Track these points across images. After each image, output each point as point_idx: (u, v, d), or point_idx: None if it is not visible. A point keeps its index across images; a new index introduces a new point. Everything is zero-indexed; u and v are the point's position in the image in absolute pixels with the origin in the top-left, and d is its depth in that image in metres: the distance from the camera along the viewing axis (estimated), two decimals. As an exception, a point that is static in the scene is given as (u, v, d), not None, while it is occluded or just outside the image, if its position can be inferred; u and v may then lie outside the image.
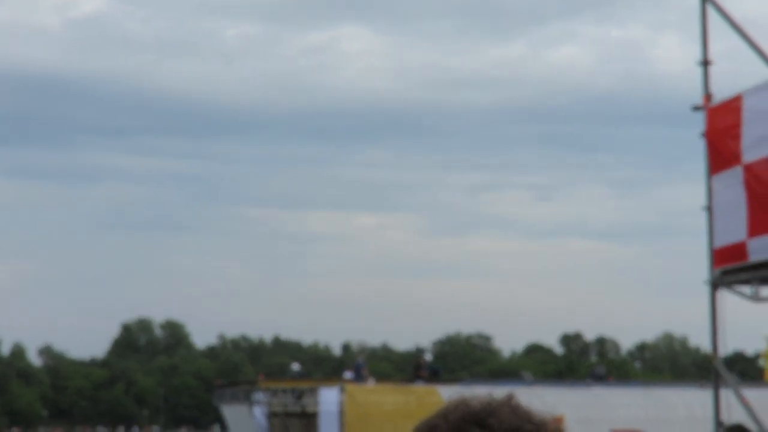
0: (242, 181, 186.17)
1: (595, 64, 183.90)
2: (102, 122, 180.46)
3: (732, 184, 11.83)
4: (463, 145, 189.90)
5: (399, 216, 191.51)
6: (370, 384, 33.01)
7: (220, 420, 45.87)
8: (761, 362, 39.31)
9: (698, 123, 12.43)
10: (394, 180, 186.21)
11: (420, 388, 27.46)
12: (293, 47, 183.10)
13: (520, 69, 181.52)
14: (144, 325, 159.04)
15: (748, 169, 11.61)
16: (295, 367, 47.99)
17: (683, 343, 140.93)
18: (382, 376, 63.32)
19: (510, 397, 2.50)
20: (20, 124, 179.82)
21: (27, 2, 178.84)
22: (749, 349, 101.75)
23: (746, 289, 12.11)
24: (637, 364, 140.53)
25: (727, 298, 12.32)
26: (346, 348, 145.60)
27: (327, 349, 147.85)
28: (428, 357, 42.38)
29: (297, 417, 30.25)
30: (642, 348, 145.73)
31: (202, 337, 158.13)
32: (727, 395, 12.42)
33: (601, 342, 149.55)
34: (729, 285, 12.17)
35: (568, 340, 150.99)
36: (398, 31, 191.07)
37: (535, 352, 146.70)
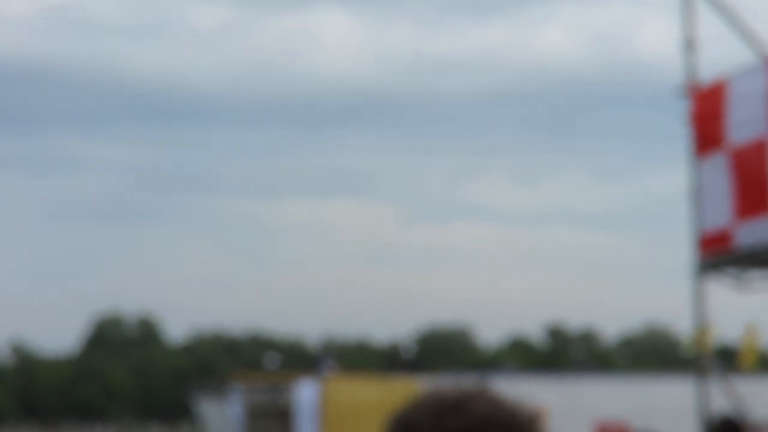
0: (216, 168, 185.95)
1: (579, 46, 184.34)
2: (71, 109, 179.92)
3: (717, 169, 11.84)
4: (443, 130, 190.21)
5: (377, 203, 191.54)
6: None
7: (193, 416, 45.82)
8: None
9: (682, 107, 12.44)
10: (372, 166, 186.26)
11: (398, 380, 27.49)
12: (267, 32, 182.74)
13: (501, 52, 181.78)
14: (115, 320, 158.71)
15: (734, 152, 11.62)
16: (272, 361, 48.03)
17: (667, 332, 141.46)
18: (359, 370, 63.42)
19: (484, 386, 2.49)
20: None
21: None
22: (735, 340, 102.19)
23: (732, 277, 12.14)
24: (622, 355, 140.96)
25: (713, 288, 12.35)
26: (323, 342, 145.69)
27: (304, 342, 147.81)
28: (407, 350, 42.48)
29: (273, 412, 30.24)
30: (628, 340, 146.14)
31: (176, 331, 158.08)
32: (713, 386, 12.44)
33: (585, 333, 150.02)
34: (715, 272, 12.19)
35: (551, 331, 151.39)
36: (375, 14, 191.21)
37: (517, 343, 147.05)
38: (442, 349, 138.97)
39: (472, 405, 2.45)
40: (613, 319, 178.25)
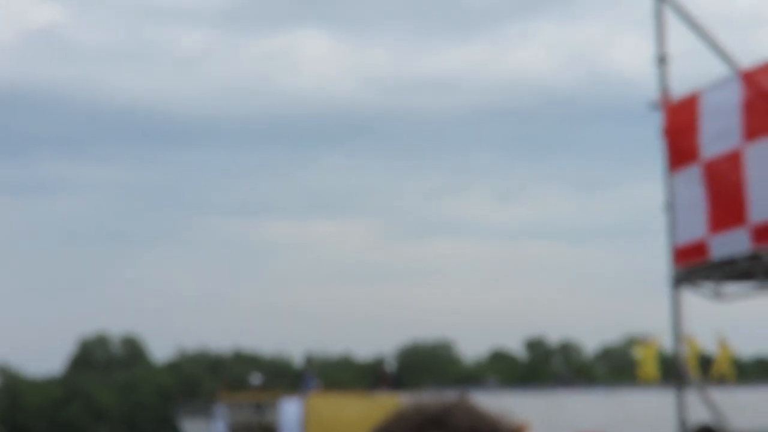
0: (199, 189, 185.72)
1: (555, 64, 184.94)
2: (55, 132, 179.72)
3: (690, 182, 11.87)
4: (422, 149, 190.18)
5: (359, 222, 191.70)
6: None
7: (179, 434, 45.66)
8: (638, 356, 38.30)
9: (656, 121, 12.48)
10: (354, 185, 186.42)
11: (382, 396, 27.44)
12: (249, 53, 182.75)
13: (479, 71, 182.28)
14: (101, 340, 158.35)
15: (707, 166, 11.66)
16: (256, 379, 47.85)
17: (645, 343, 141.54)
18: (342, 386, 63.27)
19: (465, 399, 2.48)
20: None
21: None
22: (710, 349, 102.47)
23: (707, 288, 12.16)
24: (601, 368, 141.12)
25: (689, 299, 12.37)
26: (307, 359, 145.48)
27: (287, 360, 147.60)
28: (390, 365, 42.34)
29: (258, 429, 30.19)
30: (607, 352, 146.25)
31: (161, 351, 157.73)
32: (690, 396, 12.45)
33: (565, 346, 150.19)
34: (690, 283, 12.22)
35: (531, 344, 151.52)
36: (355, 35, 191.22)
37: (498, 357, 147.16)
38: (425, 364, 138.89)
39: (454, 418, 2.44)
40: (593, 331, 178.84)
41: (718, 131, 11.43)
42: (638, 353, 38.08)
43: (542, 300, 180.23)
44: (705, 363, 36.73)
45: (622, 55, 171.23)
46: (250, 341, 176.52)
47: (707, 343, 36.04)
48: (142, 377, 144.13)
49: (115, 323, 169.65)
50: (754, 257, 11.08)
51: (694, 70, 12.75)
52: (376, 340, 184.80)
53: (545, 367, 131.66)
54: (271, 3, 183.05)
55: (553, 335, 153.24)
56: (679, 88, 12.36)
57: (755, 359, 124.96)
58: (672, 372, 34.22)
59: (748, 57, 11.46)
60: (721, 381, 33.59)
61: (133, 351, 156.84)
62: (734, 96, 11.22)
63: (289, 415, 27.15)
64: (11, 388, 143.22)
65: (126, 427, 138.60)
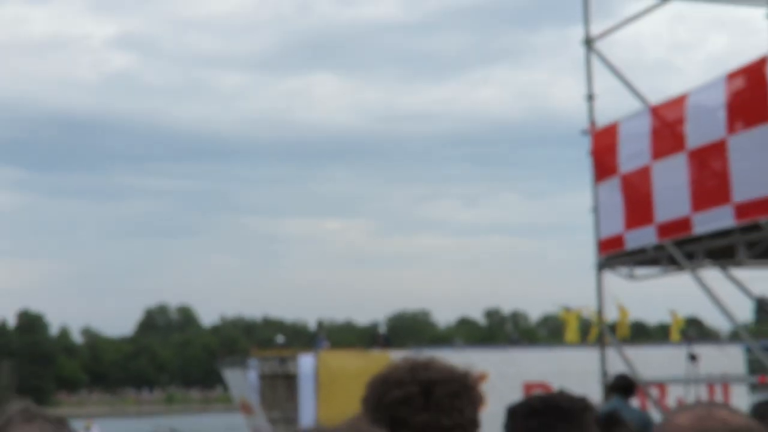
0: (236, 195, 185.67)
1: (509, 100, 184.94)
2: (127, 152, 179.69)
3: (611, 190, 11.87)
4: (407, 165, 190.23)
5: (358, 221, 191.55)
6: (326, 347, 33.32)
7: (222, 382, 45.54)
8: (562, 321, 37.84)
9: (585, 145, 12.47)
10: (354, 193, 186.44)
11: (376, 353, 27.36)
12: (276, 91, 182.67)
13: (451, 105, 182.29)
14: (162, 309, 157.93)
15: (624, 178, 11.65)
16: (280, 339, 47.71)
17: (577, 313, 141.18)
18: (346, 345, 63.05)
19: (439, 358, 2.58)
20: (64, 154, 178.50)
21: (70, 60, 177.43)
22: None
23: (624, 271, 12.16)
24: (543, 331, 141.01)
25: (609, 278, 12.37)
26: (319, 324, 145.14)
27: (304, 325, 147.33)
28: (382, 329, 42.25)
29: (282, 378, 30.08)
30: (547, 320, 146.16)
31: (207, 318, 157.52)
32: (611, 353, 12.45)
33: (515, 315, 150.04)
34: (611, 267, 12.21)
35: (490, 313, 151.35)
36: (358, 77, 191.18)
37: (464, 323, 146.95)
38: (408, 328, 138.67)
39: (436, 364, 2.51)
40: (536, 304, 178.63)
41: (632, 152, 11.43)
42: (563, 319, 38.01)
43: (498, 280, 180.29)
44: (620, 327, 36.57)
45: (560, 93, 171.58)
46: (275, 311, 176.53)
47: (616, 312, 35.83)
48: (193, 338, 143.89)
49: (172, 296, 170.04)
50: (659, 248, 11.08)
51: (614, 105, 12.76)
52: (371, 310, 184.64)
53: (500, 330, 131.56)
54: (293, 52, 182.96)
55: (506, 307, 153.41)
56: (603, 119, 12.37)
57: (659, 324, 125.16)
58: (587, 334, 34.15)
59: (656, 95, 11.46)
60: (624, 341, 33.39)
61: (187, 317, 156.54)
62: (645, 125, 11.22)
63: (305, 367, 27.06)
64: (93, 345, 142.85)
65: (181, 376, 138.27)
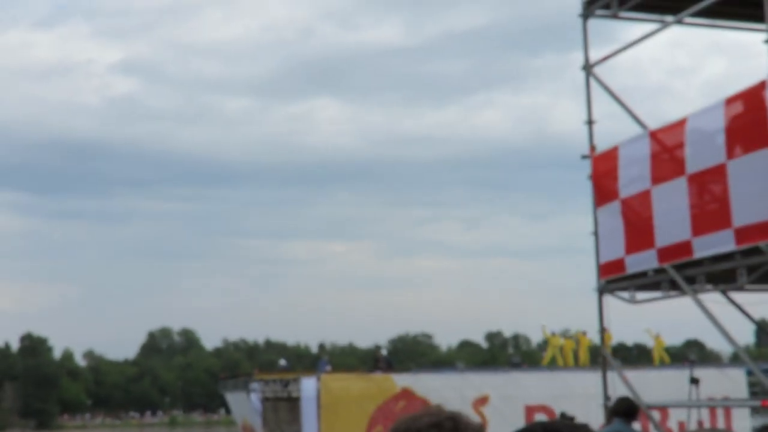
0: (239, 218, 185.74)
1: (510, 124, 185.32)
2: (129, 176, 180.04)
3: (612, 215, 11.86)
4: (409, 188, 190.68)
5: (360, 244, 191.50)
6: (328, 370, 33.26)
7: (225, 405, 45.40)
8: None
9: (586, 168, 12.48)
10: (357, 215, 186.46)
11: (378, 376, 27.28)
12: (279, 115, 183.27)
13: (453, 129, 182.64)
14: (165, 332, 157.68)
15: (624, 202, 11.65)
16: (282, 362, 47.56)
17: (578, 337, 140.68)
18: (348, 368, 62.86)
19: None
20: (67, 178, 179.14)
21: (73, 85, 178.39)
22: (629, 341, 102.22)
23: (625, 295, 12.14)
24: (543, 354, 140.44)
25: (610, 301, 12.34)
26: (321, 347, 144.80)
27: (306, 348, 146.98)
28: (384, 352, 42.20)
29: (284, 401, 29.99)
30: (547, 342, 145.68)
31: (210, 341, 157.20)
32: (612, 376, 12.42)
33: (516, 337, 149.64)
34: (612, 291, 12.19)
35: (491, 336, 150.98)
36: (359, 102, 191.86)
37: (465, 346, 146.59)
38: (410, 351, 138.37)
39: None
40: (538, 327, 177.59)
41: (632, 176, 11.43)
42: (550, 342, 38.40)
43: (499, 303, 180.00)
44: (622, 350, 36.57)
45: (561, 117, 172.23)
46: (277, 333, 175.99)
47: (624, 336, 35.86)
48: (196, 361, 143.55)
49: (175, 319, 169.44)
50: (660, 271, 11.07)
51: (614, 129, 12.79)
52: (373, 333, 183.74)
53: (502, 353, 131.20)
54: (295, 77, 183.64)
55: (508, 330, 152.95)
56: (604, 143, 12.38)
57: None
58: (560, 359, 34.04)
59: (656, 119, 11.49)
60: (663, 365, 33.11)
61: (189, 340, 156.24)
62: (644, 149, 11.23)
63: (308, 390, 26.96)
64: (96, 368, 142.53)
65: (183, 399, 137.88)
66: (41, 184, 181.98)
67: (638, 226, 11.35)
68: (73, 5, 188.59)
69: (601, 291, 12.20)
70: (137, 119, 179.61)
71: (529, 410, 25.67)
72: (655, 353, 35.77)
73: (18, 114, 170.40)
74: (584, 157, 12.51)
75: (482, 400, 25.35)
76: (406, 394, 24.78)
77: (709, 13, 11.96)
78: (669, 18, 12.14)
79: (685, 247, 10.51)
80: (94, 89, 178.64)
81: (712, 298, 11.11)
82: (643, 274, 11.36)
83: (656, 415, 14.86)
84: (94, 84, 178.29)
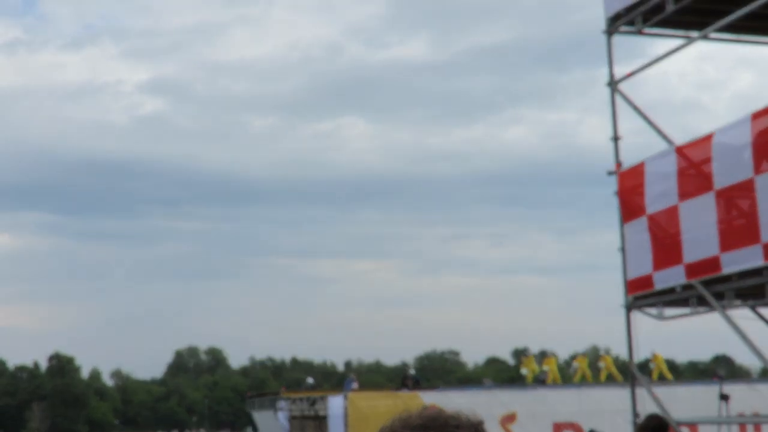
0: (267, 237, 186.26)
1: (538, 140, 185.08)
2: (158, 196, 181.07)
3: (639, 231, 11.84)
4: (436, 205, 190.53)
5: (388, 261, 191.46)
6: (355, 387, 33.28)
7: (252, 424, 45.47)
8: (523, 371, 38.93)
9: (612, 184, 12.47)
10: (384, 233, 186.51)
11: (405, 394, 27.25)
12: (306, 133, 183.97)
13: (480, 146, 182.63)
14: (192, 351, 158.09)
15: (651, 218, 11.63)
16: (309, 380, 47.59)
17: (606, 353, 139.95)
18: (375, 386, 62.78)
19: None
20: (96, 198, 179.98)
21: (102, 105, 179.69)
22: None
23: (653, 311, 12.09)
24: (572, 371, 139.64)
25: (638, 318, 12.30)
26: (347, 365, 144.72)
27: (333, 366, 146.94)
28: (412, 370, 42.10)
29: (311, 419, 29.98)
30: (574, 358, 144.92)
31: (237, 359, 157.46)
32: (641, 392, 12.36)
33: (543, 354, 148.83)
34: (640, 308, 12.15)
35: (518, 353, 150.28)
36: (386, 120, 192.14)
37: (492, 363, 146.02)
38: (436, 369, 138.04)
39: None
40: (564, 343, 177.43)
41: (659, 192, 11.41)
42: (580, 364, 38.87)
43: (526, 320, 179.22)
44: (642, 366, 36.43)
45: (589, 132, 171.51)
46: (304, 352, 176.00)
47: (648, 353, 35.71)
48: (222, 379, 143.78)
49: (202, 338, 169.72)
50: (688, 287, 11.03)
51: (641, 144, 12.78)
52: (400, 351, 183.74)
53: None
54: (322, 95, 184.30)
55: (535, 346, 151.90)
56: (631, 158, 12.38)
57: (689, 363, 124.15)
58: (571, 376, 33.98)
59: (684, 133, 11.49)
60: (663, 381, 33.16)
61: (216, 359, 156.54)
62: (671, 165, 11.21)
63: (335, 409, 26.97)
64: (123, 387, 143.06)
65: (210, 418, 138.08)
66: (69, 205, 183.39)
67: (666, 242, 11.33)
68: (101, 26, 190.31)
69: (629, 307, 12.17)
70: (165, 138, 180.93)
71: (557, 427, 25.56)
72: (655, 371, 35.56)
73: (47, 134, 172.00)
74: (610, 173, 12.50)
75: (510, 418, 25.27)
76: (434, 412, 24.68)
77: (734, 28, 11.94)
78: (694, 33, 12.13)
79: (713, 263, 10.48)
80: (123, 109, 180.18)
81: (741, 314, 11.06)
82: (671, 290, 11.33)
83: None
84: (123, 104, 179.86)
